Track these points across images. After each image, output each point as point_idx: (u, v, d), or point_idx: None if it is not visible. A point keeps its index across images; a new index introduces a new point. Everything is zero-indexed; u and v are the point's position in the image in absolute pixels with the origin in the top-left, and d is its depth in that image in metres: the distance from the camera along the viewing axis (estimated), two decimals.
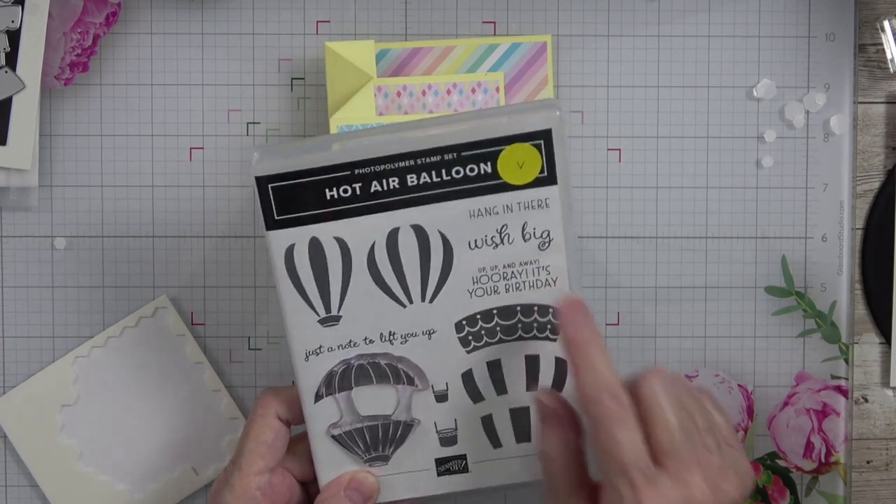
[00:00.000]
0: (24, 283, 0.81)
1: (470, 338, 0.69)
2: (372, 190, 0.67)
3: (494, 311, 0.69)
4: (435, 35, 0.81)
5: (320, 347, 0.69)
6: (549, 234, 0.67)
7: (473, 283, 0.68)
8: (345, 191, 0.67)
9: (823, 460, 0.83)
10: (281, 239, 0.67)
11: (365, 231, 0.67)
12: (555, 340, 0.69)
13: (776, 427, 0.83)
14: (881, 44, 0.80)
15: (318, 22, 0.81)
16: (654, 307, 0.82)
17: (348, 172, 0.66)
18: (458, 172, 0.66)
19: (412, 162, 0.66)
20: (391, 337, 0.69)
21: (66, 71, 0.78)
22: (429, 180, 0.66)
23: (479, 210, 0.67)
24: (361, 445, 0.71)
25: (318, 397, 0.70)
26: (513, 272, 0.68)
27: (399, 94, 0.78)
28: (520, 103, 0.77)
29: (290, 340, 0.69)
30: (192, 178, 0.81)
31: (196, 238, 0.81)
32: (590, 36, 0.81)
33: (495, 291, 0.68)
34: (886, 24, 0.79)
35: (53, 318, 0.81)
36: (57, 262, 0.81)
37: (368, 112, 0.77)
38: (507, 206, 0.67)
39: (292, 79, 0.81)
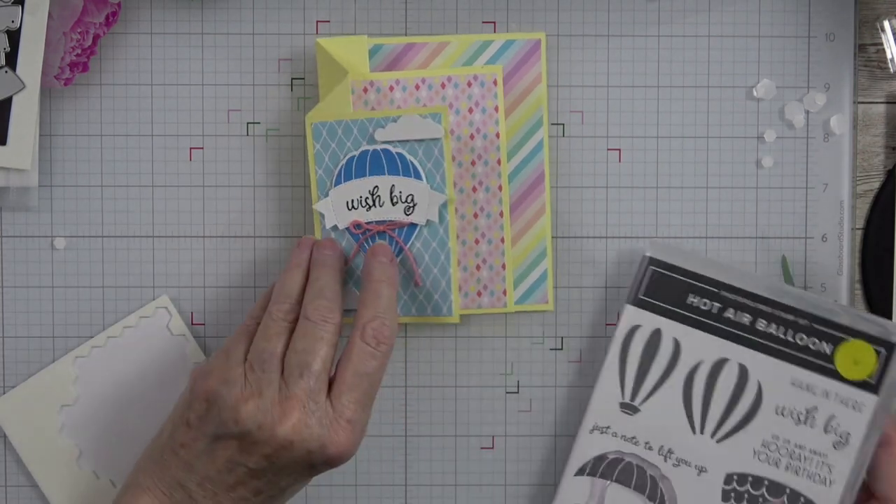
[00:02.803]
0: (24, 283, 0.81)
1: (732, 494, 0.72)
2: (725, 315, 0.73)
3: (766, 483, 0.71)
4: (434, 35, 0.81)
5: (608, 427, 0.74)
6: (848, 437, 0.71)
7: (762, 445, 0.72)
8: (704, 304, 0.73)
9: None
10: (633, 316, 0.74)
11: (700, 347, 0.73)
12: None
13: None
14: (881, 44, 0.80)
15: (318, 22, 0.81)
16: None
17: (715, 290, 0.73)
18: (801, 339, 0.71)
19: (770, 308, 0.72)
20: (668, 454, 0.73)
21: (66, 71, 0.78)
22: (773, 332, 0.72)
23: (802, 382, 0.71)
24: None
25: (580, 471, 0.74)
26: (800, 454, 0.71)
27: (392, 88, 0.78)
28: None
29: (588, 409, 0.74)
30: (192, 178, 0.81)
31: (196, 238, 0.81)
32: (589, 36, 0.81)
33: (776, 463, 0.71)
34: (886, 24, 0.79)
35: (53, 318, 0.81)
36: (57, 262, 0.81)
37: (344, 108, 0.77)
38: (826, 392, 0.71)
39: (292, 79, 0.81)
